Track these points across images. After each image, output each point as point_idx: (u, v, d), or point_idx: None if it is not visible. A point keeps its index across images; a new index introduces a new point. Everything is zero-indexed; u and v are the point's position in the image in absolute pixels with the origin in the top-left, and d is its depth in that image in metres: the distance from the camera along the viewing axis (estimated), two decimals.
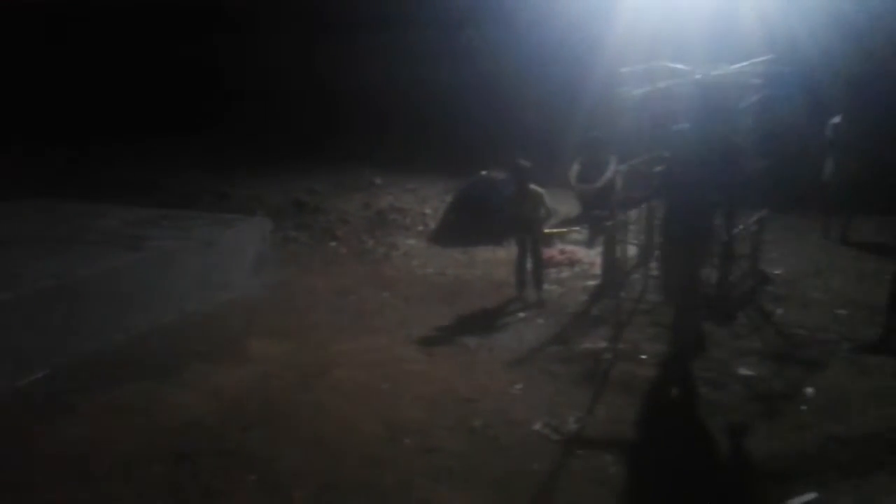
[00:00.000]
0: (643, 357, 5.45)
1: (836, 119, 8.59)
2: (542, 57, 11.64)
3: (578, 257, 7.81)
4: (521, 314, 6.37)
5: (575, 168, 8.72)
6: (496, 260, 7.85)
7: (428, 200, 10.12)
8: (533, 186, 6.69)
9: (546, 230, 7.55)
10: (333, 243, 8.51)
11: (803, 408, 4.67)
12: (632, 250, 7.51)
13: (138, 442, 4.26)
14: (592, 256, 7.76)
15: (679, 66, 6.73)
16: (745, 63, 6.51)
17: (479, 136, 11.26)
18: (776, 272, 7.31)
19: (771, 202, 7.63)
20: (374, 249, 8.33)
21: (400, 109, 12.62)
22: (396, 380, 5.03)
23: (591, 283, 7.13)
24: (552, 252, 7.87)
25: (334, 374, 5.14)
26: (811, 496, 3.70)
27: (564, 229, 8.62)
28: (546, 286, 6.81)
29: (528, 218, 6.71)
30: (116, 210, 7.31)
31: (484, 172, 9.43)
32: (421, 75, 12.80)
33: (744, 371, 5.17)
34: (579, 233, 8.61)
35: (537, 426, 4.44)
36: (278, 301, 6.61)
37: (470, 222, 8.74)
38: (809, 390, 4.88)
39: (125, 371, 5.11)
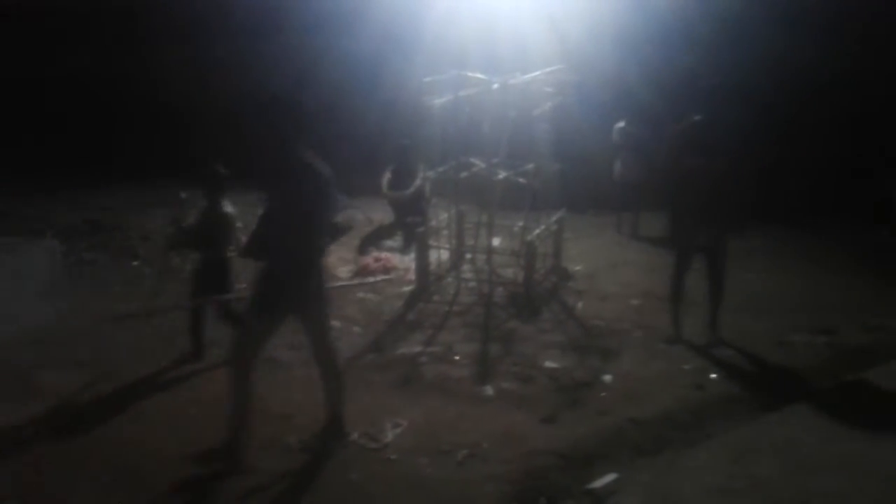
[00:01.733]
0: (456, 358, 5.59)
1: (621, 124, 9.33)
2: (355, 66, 11.67)
3: (393, 264, 7.87)
4: (337, 324, 6.31)
5: (387, 176, 8.81)
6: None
7: (240, 213, 9.77)
8: (226, 205, 5.45)
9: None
10: (135, 263, 8.01)
11: (603, 394, 5.00)
12: (444, 255, 7.72)
13: None
14: (407, 262, 7.86)
15: (479, 75, 7.01)
16: (538, 72, 6.90)
17: None
18: (576, 268, 7.79)
19: (568, 203, 8.14)
20: (181, 266, 7.92)
21: (209, 120, 12.14)
22: (206, 403, 4.80)
23: (407, 289, 7.22)
24: (367, 260, 7.89)
25: (138, 403, 4.83)
26: (612, 477, 3.95)
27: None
28: (361, 295, 6.81)
29: (214, 246, 5.41)
30: None
31: None
32: (231, 85, 12.39)
33: (549, 364, 5.45)
34: (393, 240, 8.72)
35: (354, 436, 4.40)
36: (73, 328, 6.10)
37: None
38: (608, 377, 5.23)
39: None
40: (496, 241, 7.83)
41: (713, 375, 5.29)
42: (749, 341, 5.91)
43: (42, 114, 12.53)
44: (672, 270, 5.98)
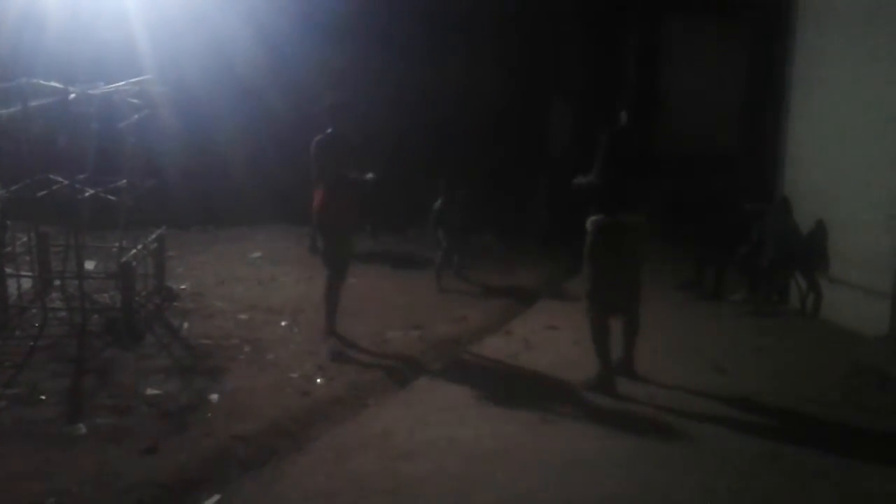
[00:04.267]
0: (42, 398, 5.00)
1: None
2: None
3: None
4: None
5: None
6: None
7: None
8: None
9: None
10: None
11: (209, 415, 4.85)
12: (26, 283, 6.86)
13: None
14: None
15: (54, 83, 6.36)
16: (122, 83, 6.48)
17: None
18: (182, 287, 7.49)
19: (170, 219, 7.81)
20: None
21: None
22: None
23: None
24: None
25: None
26: (215, 498, 3.87)
27: None
28: None
29: None
30: None
31: None
32: None
33: (151, 391, 5.14)
34: None
35: None
36: None
37: None
38: (214, 397, 5.10)
39: None
40: (90, 265, 7.19)
41: (319, 380, 5.48)
42: (353, 342, 6.26)
43: None
44: (330, 282, 6.28)
